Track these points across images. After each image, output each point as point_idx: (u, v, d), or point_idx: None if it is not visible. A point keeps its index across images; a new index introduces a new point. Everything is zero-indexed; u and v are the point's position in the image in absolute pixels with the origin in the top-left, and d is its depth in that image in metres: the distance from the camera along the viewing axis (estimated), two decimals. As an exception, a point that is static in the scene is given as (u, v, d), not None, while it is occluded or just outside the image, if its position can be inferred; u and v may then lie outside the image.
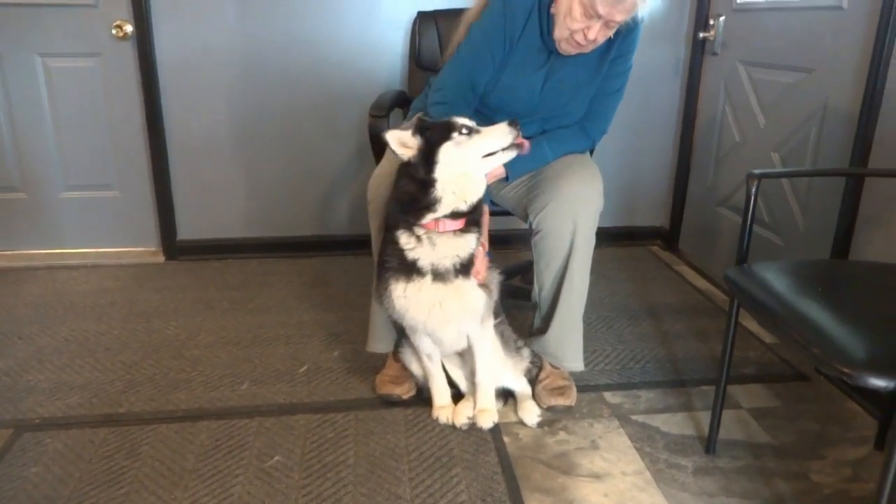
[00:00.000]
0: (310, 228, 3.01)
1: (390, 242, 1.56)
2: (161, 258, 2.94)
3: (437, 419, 1.76)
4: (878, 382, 1.05)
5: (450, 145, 1.49)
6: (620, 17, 1.62)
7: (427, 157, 1.48)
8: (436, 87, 1.83)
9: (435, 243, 1.52)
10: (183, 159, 2.85)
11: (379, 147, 2.10)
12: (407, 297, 1.55)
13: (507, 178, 1.75)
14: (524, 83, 1.78)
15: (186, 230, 2.94)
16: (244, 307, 2.46)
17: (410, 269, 1.53)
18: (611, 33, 1.68)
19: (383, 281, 1.58)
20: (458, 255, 1.54)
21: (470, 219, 1.54)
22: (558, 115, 1.82)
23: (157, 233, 2.95)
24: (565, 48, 1.71)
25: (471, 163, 1.51)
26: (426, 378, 1.80)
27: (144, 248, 2.96)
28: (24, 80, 2.71)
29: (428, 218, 1.50)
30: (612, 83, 1.81)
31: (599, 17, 1.60)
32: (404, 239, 1.53)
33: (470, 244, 1.55)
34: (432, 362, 1.75)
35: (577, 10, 1.61)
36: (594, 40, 1.66)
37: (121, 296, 2.55)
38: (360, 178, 2.91)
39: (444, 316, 1.58)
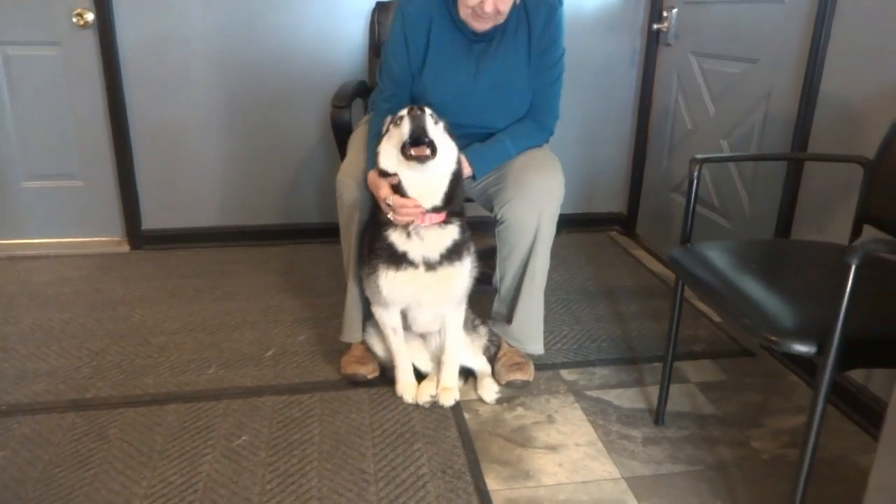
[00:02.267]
0: (275, 217, 3.04)
1: (378, 236, 1.66)
2: (126, 248, 2.94)
3: (401, 396, 1.83)
4: (801, 348, 1.14)
5: (383, 144, 1.65)
6: None
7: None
8: (379, 86, 1.91)
9: (423, 237, 1.64)
10: (147, 148, 2.86)
11: (341, 137, 2.15)
12: (396, 284, 1.67)
13: (473, 177, 1.82)
14: (453, 74, 1.83)
15: (151, 219, 2.95)
16: (210, 295, 2.49)
17: (400, 260, 1.65)
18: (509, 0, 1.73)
19: (371, 268, 1.69)
20: (443, 246, 1.66)
21: (450, 212, 1.66)
22: (503, 111, 1.87)
23: (121, 222, 2.95)
24: (476, 25, 1.77)
25: (392, 162, 1.61)
26: (390, 358, 1.86)
27: (109, 238, 2.96)
28: (-18, 69, 2.68)
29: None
30: (550, 74, 1.87)
31: None
32: (395, 236, 1.65)
33: (453, 234, 1.68)
34: (396, 336, 1.81)
35: None
36: (498, 10, 1.72)
37: (85, 285, 2.55)
38: (325, 167, 2.95)
39: (431, 299, 1.72)
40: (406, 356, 1.84)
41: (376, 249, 1.67)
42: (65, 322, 2.25)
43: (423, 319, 1.81)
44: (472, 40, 1.83)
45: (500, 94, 1.85)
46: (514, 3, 1.77)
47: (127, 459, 1.58)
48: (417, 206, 1.60)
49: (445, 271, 1.67)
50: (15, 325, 2.22)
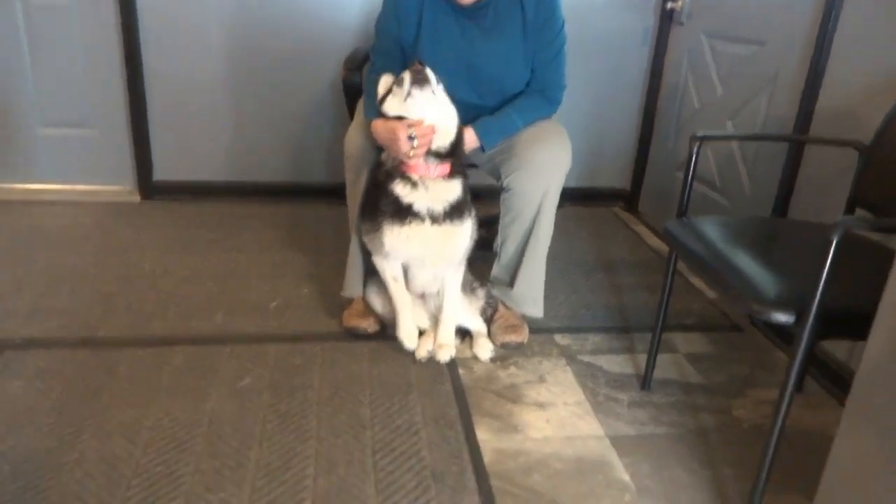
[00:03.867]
0: (284, 175, 3.09)
1: (383, 193, 1.71)
2: (137, 197, 3.00)
3: (402, 342, 1.88)
4: (780, 317, 1.20)
5: (389, 99, 1.72)
6: None
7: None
8: (371, 61, 1.96)
9: (428, 187, 1.69)
10: (161, 100, 2.90)
11: (352, 99, 2.20)
12: (401, 238, 1.72)
13: (482, 149, 1.86)
14: (447, 53, 1.86)
15: (163, 171, 3.00)
16: (219, 246, 2.55)
17: (406, 213, 1.70)
18: None
19: (375, 224, 1.74)
20: (447, 200, 1.72)
21: (454, 166, 1.72)
22: (497, 89, 1.90)
23: (133, 172, 3.00)
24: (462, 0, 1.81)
25: (411, 111, 1.67)
26: (389, 313, 1.93)
27: (120, 187, 3.02)
28: (3, 18, 2.72)
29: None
30: (551, 48, 1.90)
31: None
32: (400, 187, 1.69)
33: (456, 190, 1.73)
34: (397, 283, 1.86)
35: None
36: None
37: (96, 231, 2.62)
38: (335, 128, 2.99)
39: (434, 256, 1.77)
40: (407, 303, 1.88)
41: (381, 206, 1.72)
42: (76, 265, 2.32)
43: (422, 279, 1.87)
44: (465, 17, 1.86)
45: (493, 73, 1.88)
46: None
47: (135, 394, 1.66)
48: (432, 128, 1.66)
49: (449, 228, 1.73)
50: (28, 266, 2.29)
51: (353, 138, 1.85)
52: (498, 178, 1.91)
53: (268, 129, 3.01)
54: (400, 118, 1.67)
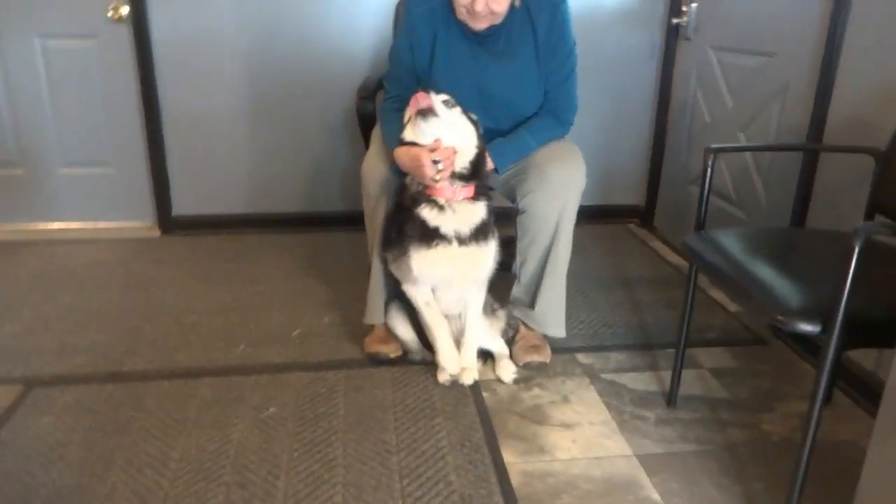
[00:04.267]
0: (301, 205, 3.13)
1: (409, 218, 1.73)
2: (157, 233, 3.05)
3: (443, 368, 1.86)
4: (805, 327, 1.20)
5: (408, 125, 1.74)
6: None
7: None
8: (385, 89, 1.99)
9: (455, 210, 1.71)
10: (178, 138, 2.96)
11: (366, 127, 2.24)
12: (429, 262, 1.73)
13: (496, 171, 1.88)
14: (460, 77, 1.88)
15: (181, 206, 3.05)
16: (239, 278, 2.58)
17: (433, 236, 1.71)
18: (502, 0, 1.76)
19: (401, 250, 1.76)
20: (473, 222, 1.74)
21: (478, 188, 1.74)
22: (511, 112, 1.92)
23: (152, 208, 3.05)
24: (473, 24, 1.82)
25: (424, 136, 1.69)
26: (413, 336, 1.95)
27: (141, 223, 3.07)
28: (24, 61, 2.80)
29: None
30: (563, 70, 1.91)
31: None
32: (427, 211, 1.71)
33: (481, 212, 1.76)
34: (431, 308, 1.86)
35: None
36: (491, 10, 1.77)
37: (119, 268, 2.66)
38: (349, 156, 3.03)
39: (461, 277, 1.78)
40: (445, 327, 1.87)
41: (406, 231, 1.73)
42: (101, 302, 2.35)
43: (447, 301, 1.87)
44: (477, 43, 1.88)
45: (506, 97, 1.90)
46: (514, 6, 1.82)
47: (163, 427, 1.67)
48: (453, 150, 1.68)
49: (475, 249, 1.75)
50: (54, 304, 2.33)
51: (371, 166, 1.87)
52: (513, 199, 1.92)
53: (283, 160, 3.05)
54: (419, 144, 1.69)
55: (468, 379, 1.87)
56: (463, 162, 1.71)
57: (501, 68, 1.89)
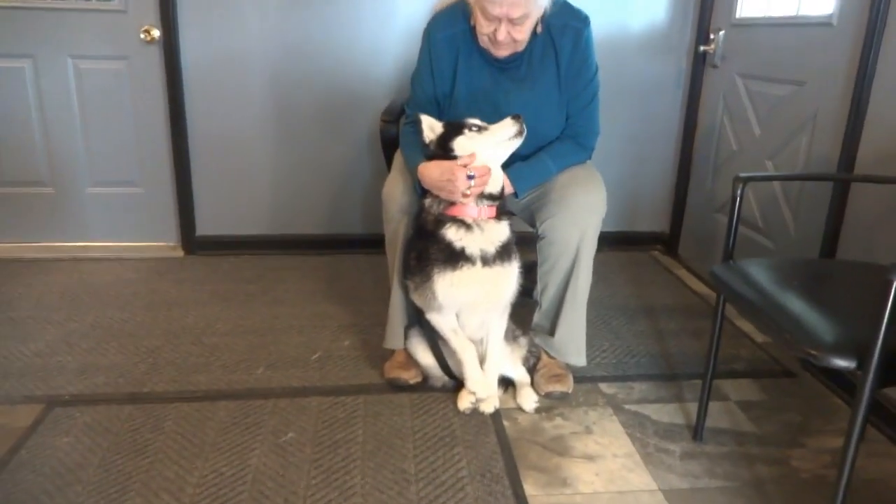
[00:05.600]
0: (323, 227, 3.14)
1: (433, 240, 1.71)
2: (180, 253, 3.07)
3: (473, 393, 1.82)
4: (841, 362, 1.16)
5: (462, 139, 1.70)
6: (517, 13, 1.71)
7: (444, 148, 1.72)
8: (406, 114, 1.99)
9: (483, 228, 1.70)
10: (204, 159, 2.99)
11: (389, 150, 2.24)
12: (454, 285, 1.71)
13: (516, 195, 1.86)
14: (482, 103, 1.87)
15: (205, 226, 3.07)
16: (259, 299, 2.58)
17: (458, 258, 1.69)
18: (524, 29, 1.76)
19: (425, 275, 1.73)
20: (499, 241, 1.73)
21: (500, 207, 1.74)
22: (532, 138, 1.88)
23: (177, 228, 3.08)
24: (495, 52, 1.82)
25: (482, 153, 1.70)
26: (433, 362, 1.91)
27: (164, 243, 3.10)
28: (56, 81, 2.85)
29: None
30: (585, 94, 1.90)
31: (498, 18, 1.72)
32: (452, 231, 1.70)
33: (506, 231, 1.75)
34: (458, 336, 1.82)
35: (481, 18, 1.76)
36: (513, 39, 1.77)
37: (142, 287, 2.68)
38: (372, 180, 3.04)
39: (486, 298, 1.75)
40: (472, 351, 1.83)
41: (430, 256, 1.71)
42: (123, 321, 2.37)
43: (470, 326, 1.84)
44: (499, 69, 1.88)
45: (528, 124, 1.88)
46: (536, 32, 1.82)
47: (181, 450, 1.66)
48: (487, 168, 1.69)
49: (499, 269, 1.73)
50: (78, 322, 2.35)
51: (392, 189, 1.86)
52: (533, 224, 1.90)
53: (306, 182, 3.07)
54: (449, 158, 1.69)
55: (489, 407, 1.84)
56: (496, 184, 1.72)
57: (523, 94, 1.89)
